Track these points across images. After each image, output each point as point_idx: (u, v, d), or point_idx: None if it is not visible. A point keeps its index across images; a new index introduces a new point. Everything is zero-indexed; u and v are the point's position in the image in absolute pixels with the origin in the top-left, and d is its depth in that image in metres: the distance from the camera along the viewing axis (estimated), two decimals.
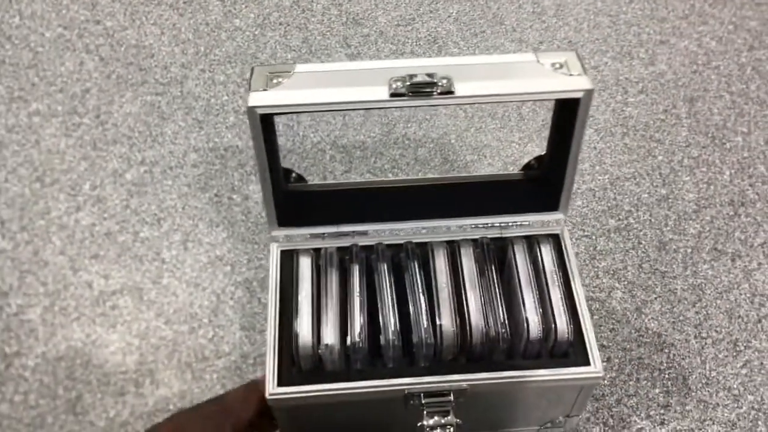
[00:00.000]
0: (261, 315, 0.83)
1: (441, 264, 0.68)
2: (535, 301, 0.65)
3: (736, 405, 0.77)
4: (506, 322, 0.64)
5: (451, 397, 0.64)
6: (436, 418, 0.64)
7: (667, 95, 1.03)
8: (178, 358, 0.80)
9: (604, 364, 0.80)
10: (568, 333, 0.64)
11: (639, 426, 0.76)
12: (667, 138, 0.99)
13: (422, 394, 0.63)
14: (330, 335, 0.63)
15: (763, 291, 0.85)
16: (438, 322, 0.64)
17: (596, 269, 0.87)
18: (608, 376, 0.79)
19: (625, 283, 0.86)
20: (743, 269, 0.87)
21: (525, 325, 0.64)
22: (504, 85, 0.60)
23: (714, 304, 0.84)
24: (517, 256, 0.68)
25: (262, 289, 0.85)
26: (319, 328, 0.64)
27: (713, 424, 0.76)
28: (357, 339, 0.63)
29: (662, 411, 0.77)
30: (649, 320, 0.83)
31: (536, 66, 0.61)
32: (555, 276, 0.66)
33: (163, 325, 0.82)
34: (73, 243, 0.88)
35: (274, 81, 0.60)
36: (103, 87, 1.03)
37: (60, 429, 0.76)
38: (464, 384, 0.63)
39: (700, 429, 0.76)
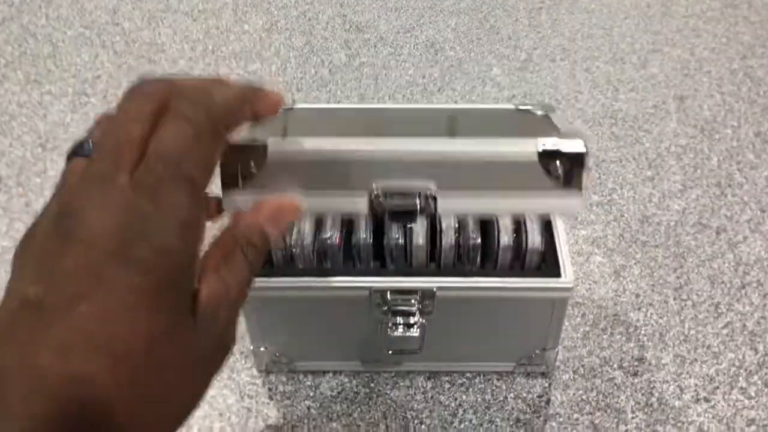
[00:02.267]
0: None
1: None
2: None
3: (715, 361, 0.74)
4: (478, 229, 0.64)
5: (418, 296, 0.62)
6: (401, 318, 0.63)
7: (658, 93, 1.05)
8: None
9: (578, 319, 0.78)
10: (539, 243, 0.63)
11: (611, 375, 0.73)
12: (656, 129, 0.99)
13: (389, 292, 0.63)
14: (303, 231, 0.64)
15: (748, 261, 0.83)
16: (408, 225, 0.64)
17: (576, 237, 0.86)
18: (581, 330, 0.77)
19: (605, 249, 0.84)
20: (728, 241, 0.85)
21: (496, 232, 0.63)
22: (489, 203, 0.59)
23: (696, 271, 0.82)
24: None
25: None
26: (293, 226, 0.65)
27: (690, 377, 0.73)
28: (329, 234, 0.63)
29: (636, 363, 0.74)
30: (627, 282, 0.81)
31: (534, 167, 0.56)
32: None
33: None
34: None
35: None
36: (113, 74, 1.09)
37: None
38: (433, 286, 0.62)
39: (676, 381, 0.72)
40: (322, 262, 0.65)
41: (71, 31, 1.16)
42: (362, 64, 1.10)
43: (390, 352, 0.67)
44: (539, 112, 0.69)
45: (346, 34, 1.15)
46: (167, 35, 1.15)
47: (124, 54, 1.12)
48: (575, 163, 0.59)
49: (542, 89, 1.06)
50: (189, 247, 0.33)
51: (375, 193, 0.57)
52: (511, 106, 0.70)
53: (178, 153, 0.33)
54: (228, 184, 0.53)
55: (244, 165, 0.52)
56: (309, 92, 1.06)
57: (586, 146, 0.60)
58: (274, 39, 1.14)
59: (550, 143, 0.60)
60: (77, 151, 0.36)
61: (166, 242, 0.32)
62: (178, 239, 0.32)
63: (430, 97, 1.05)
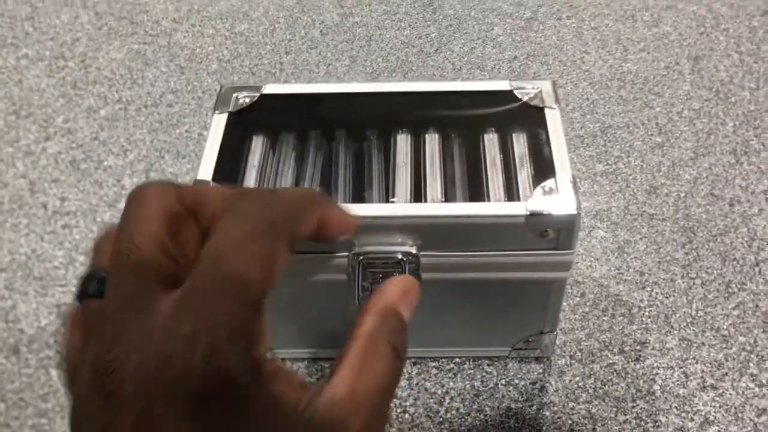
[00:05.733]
0: None
1: (402, 146, 0.62)
2: (498, 178, 0.59)
3: (724, 345, 0.68)
4: (466, 195, 0.58)
5: (400, 256, 0.57)
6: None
7: (670, 54, 0.97)
8: None
9: (577, 299, 0.72)
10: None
11: (610, 360, 0.68)
12: (667, 91, 0.92)
13: (363, 263, 0.57)
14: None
15: (763, 236, 0.77)
16: (391, 188, 0.58)
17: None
18: (580, 311, 0.72)
19: (608, 223, 0.79)
20: (742, 214, 0.79)
21: (486, 198, 0.58)
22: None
23: (706, 246, 0.76)
24: (486, 143, 0.62)
25: None
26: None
27: (696, 363, 0.67)
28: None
29: (638, 347, 0.69)
30: (631, 259, 0.75)
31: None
32: (525, 160, 0.60)
33: None
34: (36, 168, 0.86)
35: None
36: (93, 36, 1.03)
37: None
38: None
39: (681, 367, 0.67)
40: None
41: None
42: (355, 24, 1.04)
43: None
44: (532, 92, 0.63)
45: None
46: None
47: (105, 15, 1.06)
48: (566, 226, 0.55)
49: (546, 49, 0.99)
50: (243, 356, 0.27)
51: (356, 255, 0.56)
52: (505, 86, 0.64)
53: (223, 251, 0.28)
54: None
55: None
56: (298, 54, 1.00)
57: (578, 204, 0.55)
58: None
59: (538, 204, 0.55)
60: (87, 290, 0.29)
61: (216, 362, 0.26)
62: (230, 353, 0.27)
63: (425, 59, 0.99)
